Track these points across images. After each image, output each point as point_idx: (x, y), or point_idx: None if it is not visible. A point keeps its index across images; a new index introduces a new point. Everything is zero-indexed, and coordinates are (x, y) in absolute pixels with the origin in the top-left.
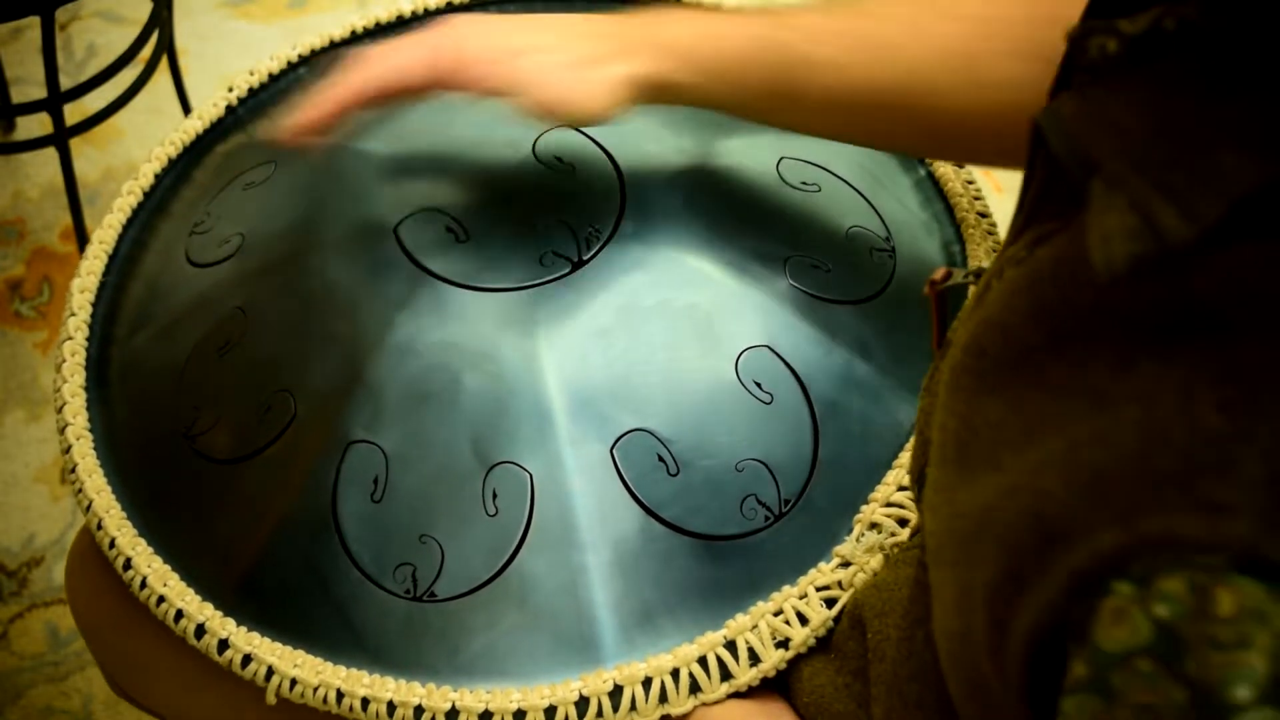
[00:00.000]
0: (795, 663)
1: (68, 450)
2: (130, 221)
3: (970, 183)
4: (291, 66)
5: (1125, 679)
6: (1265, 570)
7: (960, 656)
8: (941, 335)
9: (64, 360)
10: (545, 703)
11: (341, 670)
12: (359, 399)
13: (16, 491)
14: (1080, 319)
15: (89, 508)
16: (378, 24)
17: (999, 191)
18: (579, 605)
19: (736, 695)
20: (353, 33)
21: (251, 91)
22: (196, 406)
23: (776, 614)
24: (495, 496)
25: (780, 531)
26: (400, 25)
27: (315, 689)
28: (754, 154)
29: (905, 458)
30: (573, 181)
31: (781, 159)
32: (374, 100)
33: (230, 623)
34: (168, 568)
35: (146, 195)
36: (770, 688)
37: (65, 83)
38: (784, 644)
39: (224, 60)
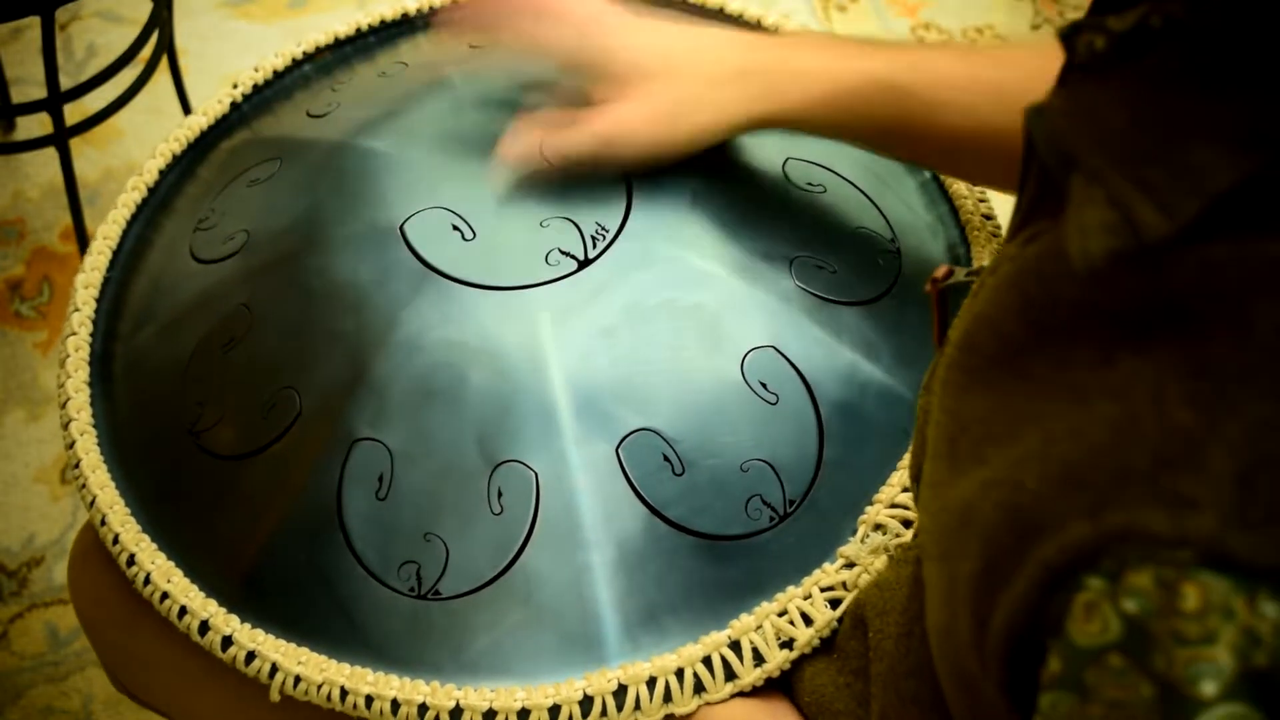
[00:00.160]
0: (798, 663)
1: (71, 446)
2: (134, 218)
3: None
4: (296, 63)
5: (1098, 675)
6: (1232, 565)
7: (947, 651)
8: (942, 333)
9: (68, 356)
10: (549, 702)
11: (345, 668)
12: (364, 396)
13: (16, 491)
14: (1063, 315)
15: (92, 504)
16: (383, 21)
17: (1003, 194)
18: (584, 604)
19: (740, 695)
20: (357, 30)
21: (256, 88)
22: (200, 403)
23: (781, 614)
24: (500, 495)
25: (785, 532)
26: (405, 23)
27: (319, 686)
28: (760, 154)
29: (910, 459)
30: (579, 180)
31: (788, 160)
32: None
33: (234, 620)
34: (171, 564)
35: (151, 191)
36: (774, 687)
37: (65, 83)
38: (788, 644)
39: (224, 60)
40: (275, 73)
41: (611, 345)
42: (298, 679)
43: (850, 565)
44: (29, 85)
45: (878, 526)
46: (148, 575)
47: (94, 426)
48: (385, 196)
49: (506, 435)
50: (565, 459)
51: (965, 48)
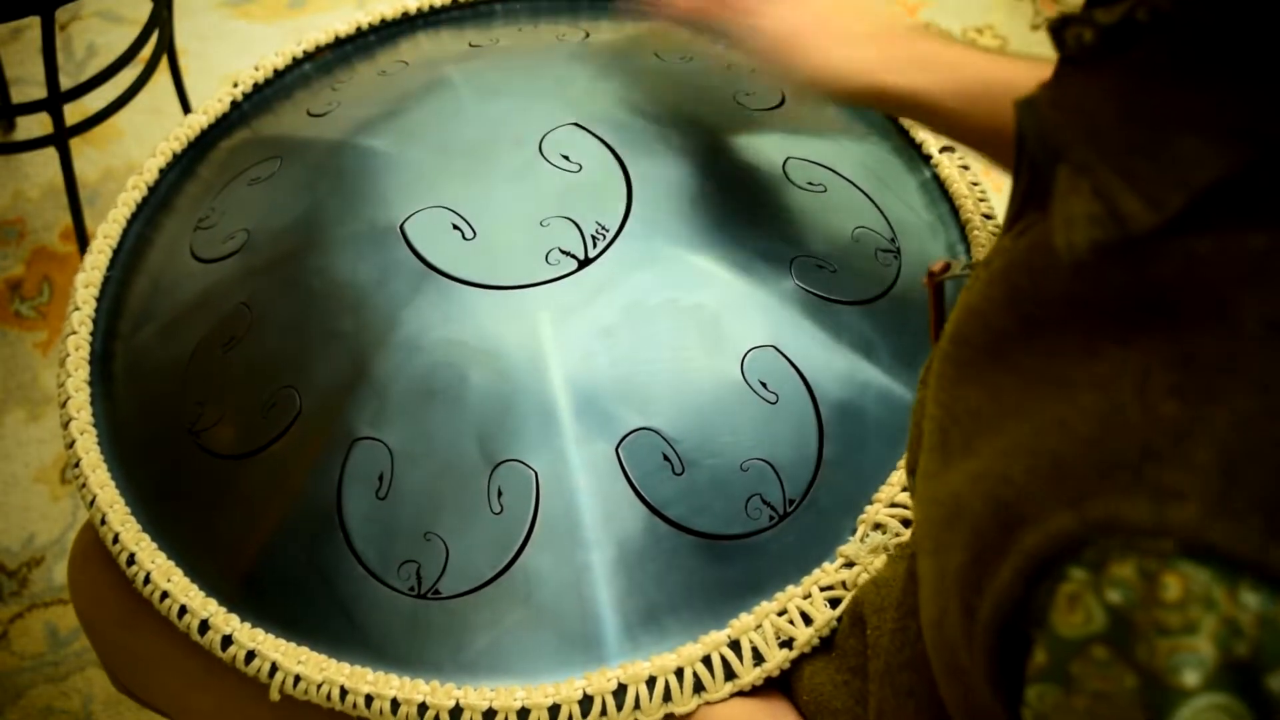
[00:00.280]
0: (797, 662)
1: (71, 445)
2: (134, 217)
3: (975, 184)
4: (296, 62)
5: (1083, 666)
6: (1213, 556)
7: (940, 644)
8: (939, 326)
9: (68, 355)
10: (549, 701)
11: (345, 667)
12: (364, 396)
13: (16, 491)
14: (1051, 307)
15: (92, 503)
16: (383, 20)
17: (1001, 193)
18: (583, 604)
19: (740, 694)
20: (358, 29)
21: (256, 87)
22: (200, 402)
23: (780, 613)
24: (500, 494)
25: (785, 531)
26: (405, 22)
27: (319, 686)
28: (760, 154)
29: (907, 452)
30: (580, 180)
31: (788, 159)
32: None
33: (234, 619)
34: (171, 563)
35: (151, 190)
36: (773, 686)
37: (65, 83)
38: (788, 643)
39: (224, 60)
40: (275, 72)
41: (611, 345)
42: (297, 678)
43: (850, 564)
44: (29, 85)
45: (877, 525)
46: (147, 574)
47: (94, 426)
48: (385, 196)
49: (506, 435)
50: (565, 458)
51: None
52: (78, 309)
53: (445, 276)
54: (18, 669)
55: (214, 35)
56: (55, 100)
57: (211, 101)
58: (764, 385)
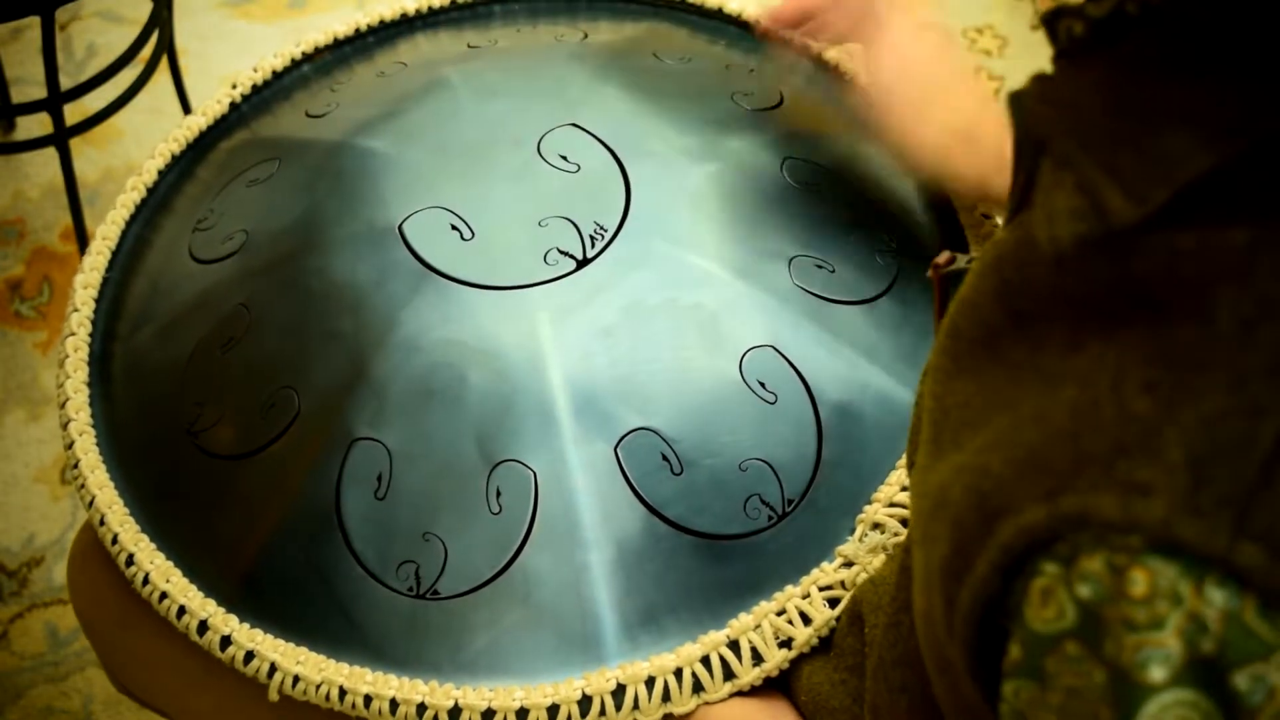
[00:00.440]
0: (796, 661)
1: (70, 446)
2: (133, 218)
3: None
4: (295, 64)
5: (1056, 663)
6: (1180, 551)
7: (927, 635)
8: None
9: (67, 356)
10: (548, 701)
11: (344, 667)
12: (363, 396)
13: (16, 491)
14: (1037, 300)
15: (91, 504)
16: (382, 22)
17: None
18: (582, 604)
19: (739, 694)
20: (356, 30)
21: (255, 88)
22: (199, 403)
23: (779, 613)
24: (499, 494)
25: (783, 531)
26: (404, 23)
27: (317, 686)
28: (759, 154)
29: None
30: (578, 180)
31: (786, 159)
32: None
33: (233, 619)
34: (170, 564)
35: (150, 192)
36: (771, 686)
37: (65, 83)
38: (787, 643)
39: (224, 60)
40: (274, 73)
41: (610, 345)
42: (296, 678)
43: (848, 564)
44: (29, 85)
45: (876, 525)
46: (146, 575)
47: (93, 426)
48: (384, 196)
49: (505, 435)
50: (564, 458)
51: None
52: (76, 310)
53: (444, 277)
54: (18, 669)
55: (214, 35)
56: (55, 100)
57: (210, 103)
58: (763, 385)
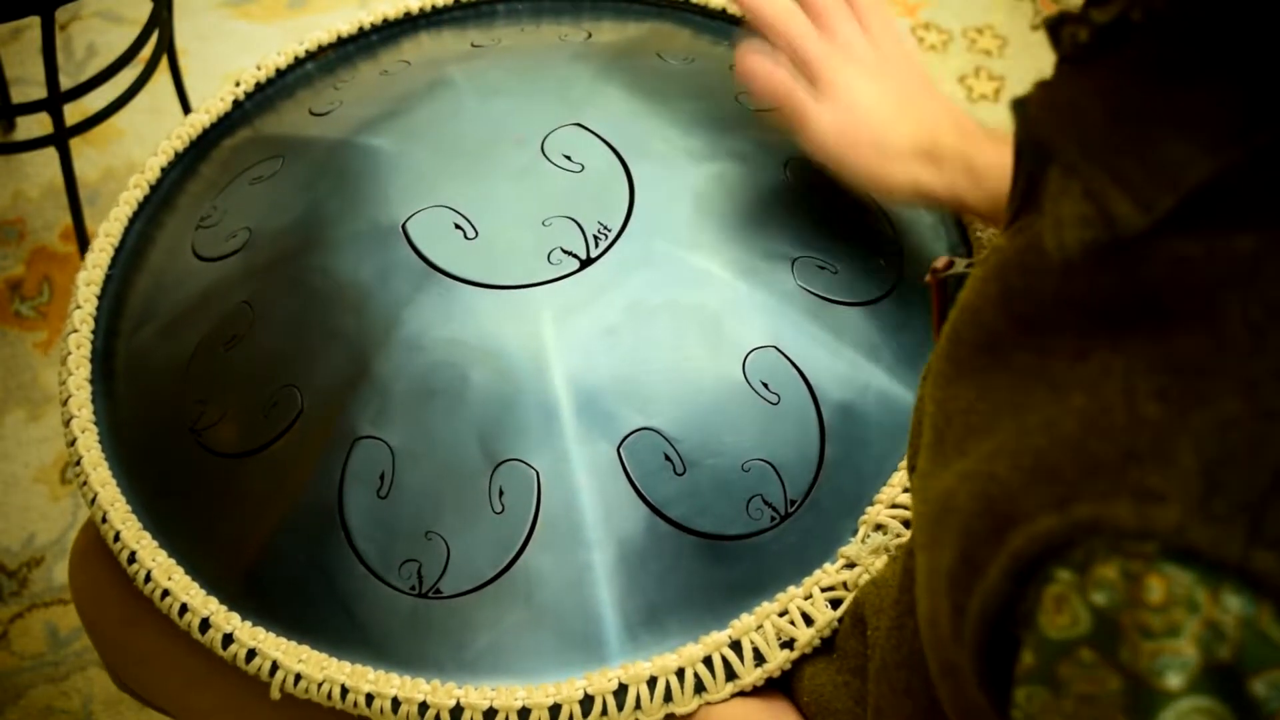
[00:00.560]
0: (798, 662)
1: (72, 443)
2: (136, 215)
3: None
4: (299, 61)
5: (1070, 669)
6: (1196, 558)
7: (932, 641)
8: (941, 325)
9: (69, 353)
10: (550, 701)
11: (346, 666)
12: (366, 395)
13: (16, 491)
14: (1043, 307)
15: (94, 501)
16: (385, 20)
17: None
18: (584, 603)
19: (741, 694)
20: (360, 28)
21: (258, 86)
22: (202, 401)
23: (782, 614)
24: (502, 494)
25: (786, 532)
26: (408, 22)
27: (319, 684)
28: (762, 155)
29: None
30: (582, 179)
31: (789, 160)
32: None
33: (235, 617)
34: (172, 562)
35: (153, 189)
36: (773, 687)
37: (65, 83)
38: (789, 644)
39: (224, 60)
40: (278, 70)
41: (613, 344)
42: (298, 677)
43: (851, 565)
44: (29, 85)
45: (878, 526)
46: (148, 573)
47: (95, 424)
48: (387, 195)
49: (508, 434)
50: (567, 458)
51: None
52: (79, 307)
53: (447, 276)
54: (18, 669)
55: (214, 35)
56: (55, 100)
57: (214, 100)
58: (765, 386)
